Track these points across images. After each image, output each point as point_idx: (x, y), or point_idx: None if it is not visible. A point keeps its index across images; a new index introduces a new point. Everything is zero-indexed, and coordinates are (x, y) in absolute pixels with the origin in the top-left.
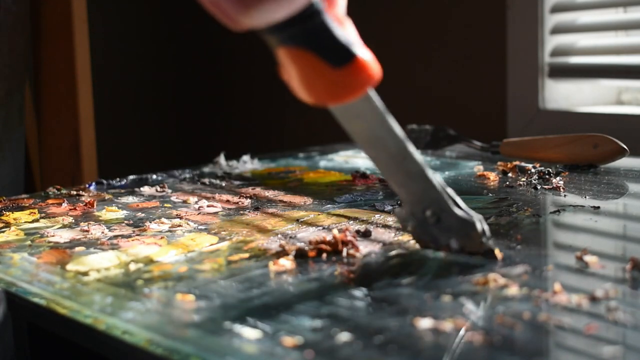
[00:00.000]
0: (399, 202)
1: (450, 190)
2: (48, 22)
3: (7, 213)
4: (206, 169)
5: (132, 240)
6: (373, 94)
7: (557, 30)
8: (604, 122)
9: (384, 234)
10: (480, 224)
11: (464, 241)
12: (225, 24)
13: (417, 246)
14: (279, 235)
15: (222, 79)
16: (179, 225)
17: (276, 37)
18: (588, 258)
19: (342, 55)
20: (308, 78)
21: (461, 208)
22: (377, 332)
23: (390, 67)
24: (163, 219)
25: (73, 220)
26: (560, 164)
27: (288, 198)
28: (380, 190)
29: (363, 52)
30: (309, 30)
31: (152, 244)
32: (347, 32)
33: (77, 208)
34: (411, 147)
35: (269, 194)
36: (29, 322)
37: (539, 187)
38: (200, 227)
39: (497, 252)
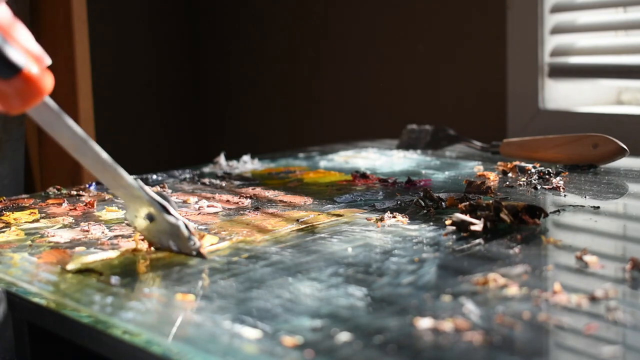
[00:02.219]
0: (398, 202)
1: (159, 198)
2: (48, 22)
3: (8, 213)
4: (206, 169)
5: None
6: (53, 105)
7: (557, 30)
8: (604, 122)
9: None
10: (186, 228)
11: (177, 242)
12: None
13: (417, 246)
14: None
15: (222, 79)
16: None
17: None
18: (588, 258)
19: (8, 68)
20: None
21: (170, 213)
22: (377, 332)
23: (390, 67)
24: None
25: (73, 221)
26: (560, 164)
27: (288, 198)
28: (380, 190)
29: (30, 66)
30: None
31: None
32: (18, 41)
33: (77, 208)
34: (107, 157)
35: (269, 194)
36: (29, 322)
37: (539, 187)
38: (200, 227)
39: (204, 252)
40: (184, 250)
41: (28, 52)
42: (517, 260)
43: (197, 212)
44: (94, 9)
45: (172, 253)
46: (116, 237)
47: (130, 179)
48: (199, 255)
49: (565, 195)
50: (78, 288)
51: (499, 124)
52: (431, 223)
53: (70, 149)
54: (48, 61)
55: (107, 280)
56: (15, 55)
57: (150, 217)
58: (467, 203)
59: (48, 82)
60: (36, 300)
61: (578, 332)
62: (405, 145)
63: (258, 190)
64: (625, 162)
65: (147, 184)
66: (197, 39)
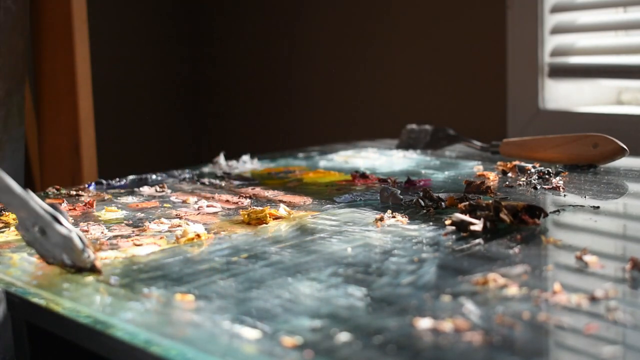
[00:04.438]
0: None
1: (50, 209)
2: (48, 22)
3: (7, 213)
4: (206, 169)
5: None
6: None
7: (557, 30)
8: (604, 122)
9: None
10: (79, 240)
11: (71, 255)
12: None
13: (417, 246)
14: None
15: (222, 78)
16: (179, 225)
17: None
18: (588, 258)
19: None
20: None
21: (62, 225)
22: (376, 332)
23: (390, 67)
24: (163, 219)
25: (73, 220)
26: (560, 164)
27: (288, 198)
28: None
29: None
30: None
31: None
32: None
33: (76, 208)
34: None
35: (269, 194)
36: (28, 322)
37: (539, 187)
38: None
39: (98, 265)
40: (78, 264)
41: None
42: (517, 260)
43: (197, 212)
44: (94, 9)
45: (65, 268)
46: (115, 237)
47: (18, 189)
48: (93, 269)
49: (565, 195)
50: (78, 288)
51: (499, 124)
52: (431, 223)
53: None
54: None
55: (107, 280)
56: None
57: (42, 231)
58: (467, 203)
59: None
60: (36, 300)
61: (578, 332)
62: (405, 145)
63: (258, 190)
64: (625, 162)
65: (146, 184)
66: (197, 38)
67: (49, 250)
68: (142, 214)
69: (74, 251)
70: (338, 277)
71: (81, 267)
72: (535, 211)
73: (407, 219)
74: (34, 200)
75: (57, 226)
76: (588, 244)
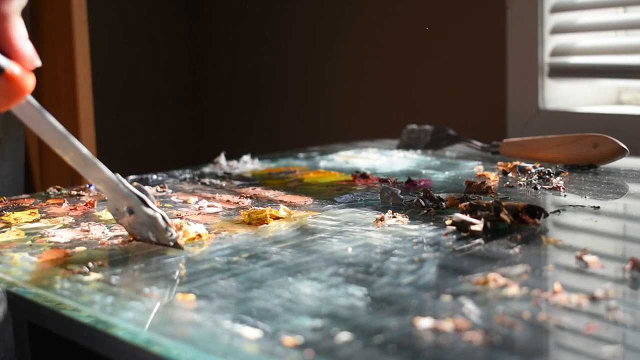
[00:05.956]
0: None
1: (138, 192)
2: (48, 22)
3: (8, 213)
4: (206, 169)
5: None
6: (35, 104)
7: (557, 30)
8: (604, 122)
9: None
10: (163, 220)
11: (156, 234)
12: None
13: (417, 246)
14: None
15: (222, 79)
16: (179, 226)
17: None
18: (588, 258)
19: None
20: None
21: (149, 206)
22: (377, 331)
23: (390, 67)
24: None
25: (73, 220)
26: (560, 164)
27: (288, 198)
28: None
29: (13, 66)
30: None
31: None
32: (10, 38)
33: (77, 208)
34: (87, 153)
35: (269, 194)
36: (29, 321)
37: (539, 187)
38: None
39: (181, 243)
40: (162, 241)
41: (16, 50)
42: (517, 260)
43: (197, 212)
44: (94, 9)
45: (151, 244)
46: (116, 237)
47: (109, 173)
48: (176, 246)
49: (565, 195)
50: (78, 288)
51: (499, 124)
52: (431, 223)
53: (52, 144)
54: (38, 63)
55: (107, 280)
56: None
57: (130, 210)
58: (467, 203)
59: (30, 81)
60: (37, 300)
61: (578, 332)
62: (405, 145)
63: (258, 190)
64: (625, 162)
65: (147, 184)
66: (197, 38)
67: (136, 229)
68: None
69: (159, 230)
70: (338, 277)
71: (165, 244)
72: (536, 211)
73: (407, 219)
74: (124, 183)
75: (144, 207)
76: (588, 244)
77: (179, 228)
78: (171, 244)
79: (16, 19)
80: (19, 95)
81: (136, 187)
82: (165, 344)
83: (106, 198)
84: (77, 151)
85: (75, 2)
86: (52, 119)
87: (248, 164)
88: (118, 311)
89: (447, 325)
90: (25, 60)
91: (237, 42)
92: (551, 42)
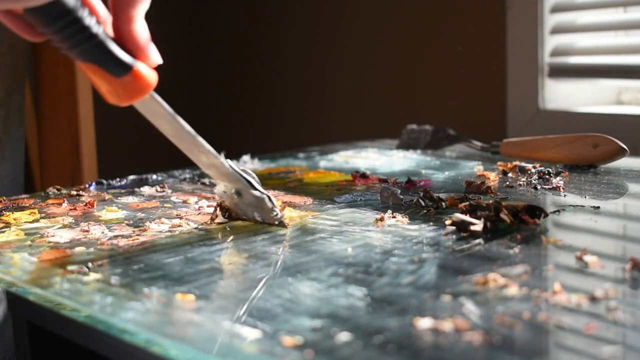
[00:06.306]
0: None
1: (246, 175)
2: None
3: (7, 213)
4: None
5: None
6: (157, 98)
7: (557, 30)
8: (604, 122)
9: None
10: (269, 200)
11: (262, 213)
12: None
13: (417, 246)
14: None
15: (222, 79)
16: (179, 226)
17: (71, 54)
18: (588, 258)
19: (120, 67)
20: (101, 85)
21: (256, 188)
22: (376, 332)
23: (390, 67)
24: (163, 219)
25: (73, 221)
26: (560, 164)
27: (288, 198)
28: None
29: (139, 65)
30: (89, 50)
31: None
32: (133, 36)
33: (77, 208)
34: (202, 141)
35: (270, 194)
36: (28, 321)
37: (539, 187)
38: (200, 227)
39: (286, 222)
40: (268, 221)
41: (141, 50)
42: (517, 260)
43: (197, 212)
44: None
45: (256, 223)
46: (116, 237)
47: (222, 158)
48: (281, 224)
49: (565, 195)
50: (77, 288)
51: (499, 124)
52: (431, 223)
53: (169, 135)
54: (159, 61)
55: (106, 280)
56: (124, 56)
57: (238, 193)
58: (467, 203)
59: (153, 78)
60: (36, 300)
61: (578, 332)
62: (405, 145)
63: None
64: (625, 162)
65: (146, 183)
66: (197, 38)
67: (242, 209)
68: (143, 214)
69: (264, 210)
70: (338, 277)
71: (270, 223)
72: (536, 211)
73: (407, 219)
74: (233, 167)
75: (252, 190)
76: (588, 244)
77: (283, 208)
78: (276, 222)
79: (141, 21)
80: (144, 91)
81: (243, 171)
82: (165, 344)
83: (215, 182)
84: (192, 140)
85: None
86: (171, 111)
87: (248, 164)
88: (117, 311)
89: (447, 325)
90: (149, 59)
91: (237, 42)
92: (551, 42)
